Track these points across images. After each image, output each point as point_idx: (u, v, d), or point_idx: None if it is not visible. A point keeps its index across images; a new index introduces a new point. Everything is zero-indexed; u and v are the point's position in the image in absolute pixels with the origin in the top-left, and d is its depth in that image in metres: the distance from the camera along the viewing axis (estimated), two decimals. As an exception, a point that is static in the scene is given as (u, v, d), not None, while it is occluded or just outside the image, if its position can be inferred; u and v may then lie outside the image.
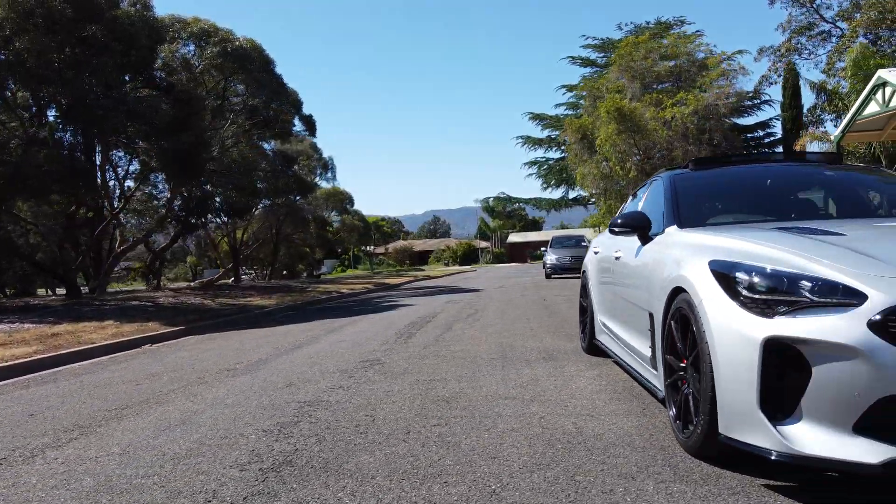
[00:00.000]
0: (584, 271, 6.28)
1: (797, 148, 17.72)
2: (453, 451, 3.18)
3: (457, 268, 51.28)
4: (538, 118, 36.91)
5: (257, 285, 28.00)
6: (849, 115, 15.10)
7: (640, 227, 4.02)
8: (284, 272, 47.19)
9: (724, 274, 2.73)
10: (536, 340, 7.06)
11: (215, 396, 4.91)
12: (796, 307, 2.46)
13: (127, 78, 16.22)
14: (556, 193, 38.45)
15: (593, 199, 27.35)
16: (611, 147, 19.50)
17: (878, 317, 2.28)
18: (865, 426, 2.29)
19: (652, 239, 3.94)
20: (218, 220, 32.65)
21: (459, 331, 8.39)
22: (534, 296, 14.74)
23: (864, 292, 2.36)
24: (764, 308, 2.53)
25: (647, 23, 33.71)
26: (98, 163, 20.20)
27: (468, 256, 74.19)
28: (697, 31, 33.22)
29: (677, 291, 3.12)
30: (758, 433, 2.48)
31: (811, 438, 2.37)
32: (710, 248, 3.10)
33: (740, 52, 28.29)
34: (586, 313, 5.88)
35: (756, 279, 2.60)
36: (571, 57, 35.98)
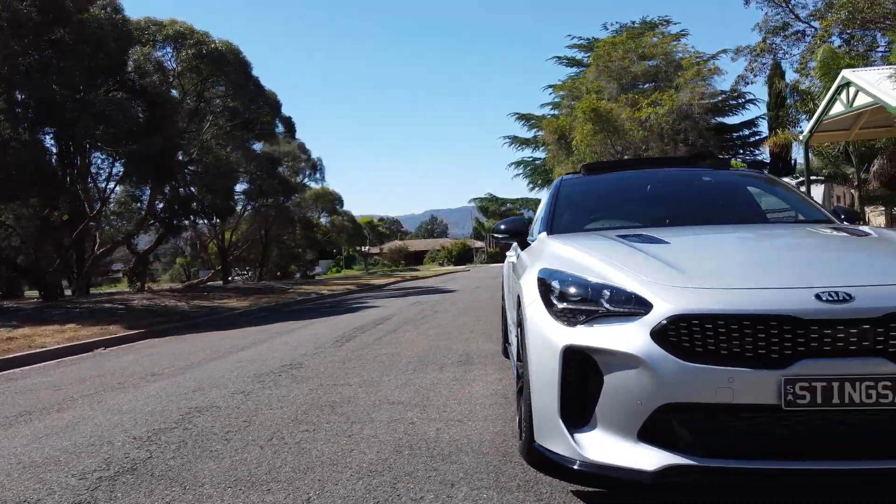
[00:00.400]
0: (502, 275, 6.31)
1: (767, 146, 17.74)
2: (300, 458, 3.21)
3: (450, 268, 51.31)
4: (524, 118, 36.96)
5: (241, 287, 28.04)
6: (815, 116, 15.12)
7: (519, 233, 4.04)
8: (279, 273, 47.25)
9: (545, 282, 2.76)
10: (466, 343, 7.08)
11: (117, 402, 4.94)
12: (594, 316, 2.49)
13: (99, 81, 16.24)
14: (542, 193, 38.54)
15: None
16: (586, 147, 19.51)
17: (658, 326, 2.30)
18: (647, 434, 2.32)
19: (529, 245, 3.97)
20: (201, 221, 32.75)
21: (402, 333, 8.42)
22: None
23: (650, 302, 2.38)
24: (569, 317, 2.55)
25: (633, 22, 33.70)
26: (78, 165, 20.33)
27: (463, 256, 74.16)
28: (682, 30, 33.27)
29: (520, 299, 3.15)
30: (559, 441, 2.50)
31: (601, 446, 2.39)
32: (549, 256, 3.12)
33: (725, 51, 28.35)
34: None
35: (565, 288, 2.63)
36: (558, 57, 36.05)
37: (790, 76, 20.88)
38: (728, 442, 2.26)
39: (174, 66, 20.51)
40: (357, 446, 3.37)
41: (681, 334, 2.29)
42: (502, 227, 4.14)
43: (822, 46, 15.13)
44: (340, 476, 2.93)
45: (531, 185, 38.69)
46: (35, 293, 31.72)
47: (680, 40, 32.93)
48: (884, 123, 14.76)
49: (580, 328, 2.49)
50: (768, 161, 32.03)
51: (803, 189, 21.62)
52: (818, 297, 2.23)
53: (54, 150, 18.21)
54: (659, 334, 2.30)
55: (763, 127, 33.36)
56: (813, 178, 21.14)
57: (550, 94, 35.38)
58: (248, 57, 21.40)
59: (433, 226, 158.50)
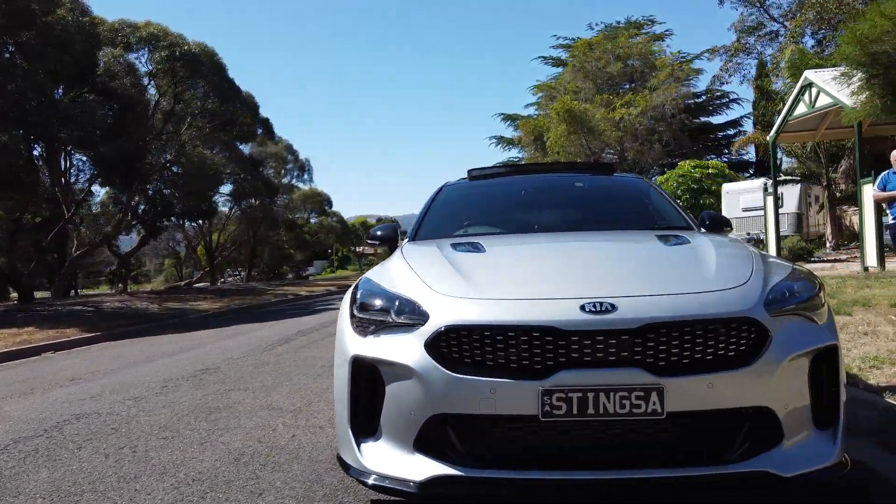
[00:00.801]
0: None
1: (734, 148, 17.70)
2: (136, 467, 3.21)
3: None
4: (510, 118, 36.89)
5: (223, 288, 27.99)
6: (781, 116, 15.10)
7: (389, 239, 4.02)
8: (271, 274, 47.28)
9: (353, 292, 2.76)
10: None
11: (11, 409, 4.94)
12: (382, 327, 2.48)
13: (66, 83, 16.24)
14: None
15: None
16: (560, 148, 19.50)
17: (431, 337, 2.30)
18: (422, 444, 2.31)
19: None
20: (183, 223, 32.78)
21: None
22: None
23: (428, 313, 2.37)
24: (364, 327, 2.55)
25: (618, 22, 33.59)
26: (53, 168, 20.33)
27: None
28: (667, 30, 33.26)
29: None
30: (349, 450, 2.49)
31: (382, 456, 2.38)
32: (381, 265, 3.12)
33: (710, 50, 28.32)
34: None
35: (366, 299, 2.61)
36: (543, 57, 35.98)
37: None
38: (494, 452, 2.26)
39: (150, 68, 20.52)
40: (201, 454, 3.36)
41: (451, 346, 2.28)
42: (378, 233, 4.11)
43: (790, 46, 15.08)
44: (161, 485, 2.92)
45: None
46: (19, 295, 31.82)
47: (664, 40, 33.02)
48: (849, 124, 14.74)
49: (370, 339, 2.49)
50: (754, 161, 32.07)
51: (782, 188, 21.60)
52: (583, 308, 2.23)
53: (35, 152, 18.26)
54: (431, 345, 2.29)
55: (749, 126, 33.29)
56: (789, 178, 21.15)
57: (534, 94, 35.36)
58: (228, 60, 21.50)
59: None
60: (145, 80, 20.97)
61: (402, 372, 2.34)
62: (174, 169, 22.36)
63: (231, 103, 21.94)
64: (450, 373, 2.24)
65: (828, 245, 17.94)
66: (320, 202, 45.39)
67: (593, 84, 20.80)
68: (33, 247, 22.74)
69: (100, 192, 25.13)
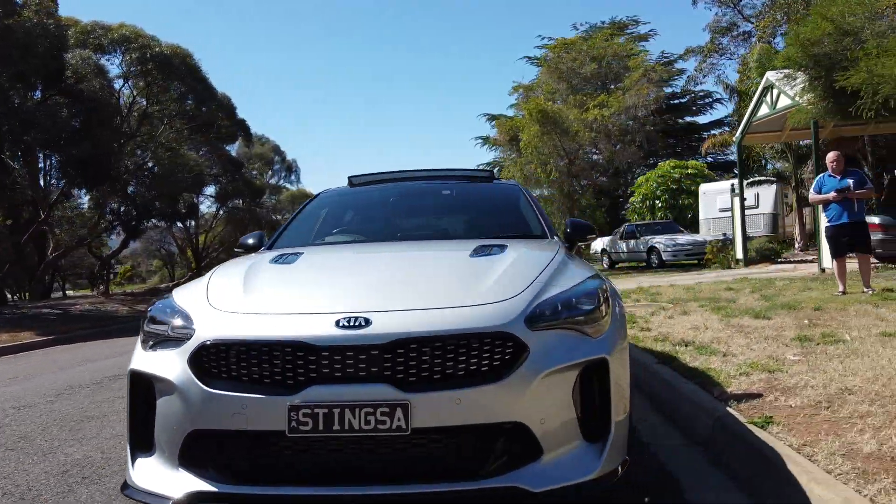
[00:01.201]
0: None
1: (703, 150, 17.65)
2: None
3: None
4: (494, 118, 36.84)
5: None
6: (746, 117, 15.08)
7: (250, 247, 3.98)
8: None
9: (151, 304, 2.73)
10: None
11: None
12: (160, 340, 2.46)
13: (31, 85, 16.21)
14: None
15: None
16: (533, 149, 19.48)
17: (192, 352, 2.27)
18: (186, 460, 2.28)
19: None
20: (171, 224, 32.79)
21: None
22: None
23: (195, 328, 2.35)
24: (146, 340, 2.52)
25: (602, 22, 33.60)
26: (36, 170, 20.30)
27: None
28: (651, 30, 33.23)
29: None
30: (127, 466, 2.47)
31: (151, 472, 2.34)
32: (202, 277, 3.09)
33: (688, 51, 28.26)
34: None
35: (155, 312, 2.57)
36: (528, 57, 35.93)
37: (736, 77, 20.82)
38: (250, 468, 2.23)
39: (123, 69, 20.52)
40: (34, 466, 3.32)
41: (210, 361, 2.26)
42: (248, 241, 4.07)
43: (757, 46, 15.05)
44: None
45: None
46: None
47: (648, 41, 32.96)
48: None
49: (148, 353, 2.46)
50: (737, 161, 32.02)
51: (758, 188, 21.56)
52: (337, 323, 2.20)
53: (8, 154, 18.22)
54: (193, 360, 2.27)
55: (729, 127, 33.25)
56: (765, 178, 21.10)
57: (510, 94, 35.30)
58: (216, 60, 21.90)
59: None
60: (120, 82, 21.02)
61: (167, 387, 2.31)
62: (154, 170, 22.39)
63: (206, 105, 21.93)
64: (206, 388, 2.22)
65: (796, 245, 17.91)
66: (308, 203, 45.35)
67: (568, 85, 20.77)
68: (13, 248, 22.74)
69: (84, 194, 25.12)
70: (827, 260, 11.95)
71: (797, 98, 9.60)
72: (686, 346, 5.21)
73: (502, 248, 2.98)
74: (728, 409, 3.31)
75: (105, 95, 17.45)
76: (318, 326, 2.20)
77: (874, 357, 4.20)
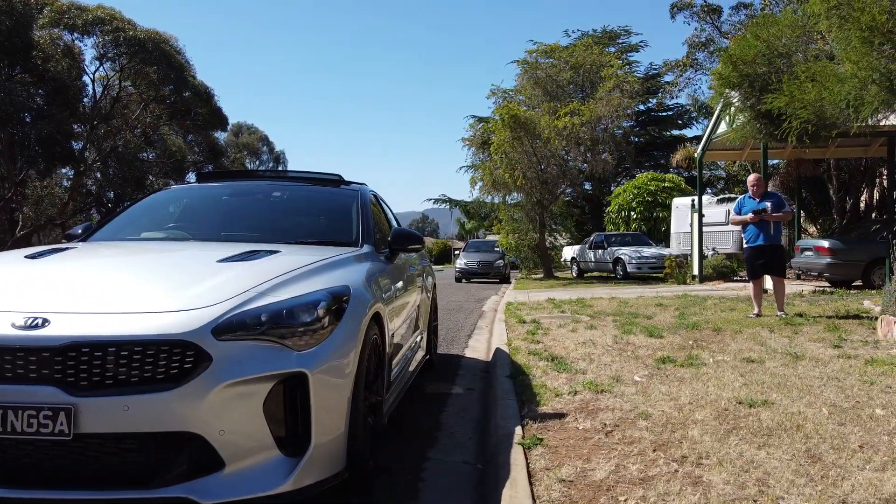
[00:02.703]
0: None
1: (672, 164, 17.58)
2: None
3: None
4: (482, 121, 36.75)
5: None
6: (706, 134, 15.06)
7: (75, 237, 3.91)
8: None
9: None
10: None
11: None
12: None
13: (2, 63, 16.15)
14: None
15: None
16: (502, 154, 19.41)
17: None
18: None
19: None
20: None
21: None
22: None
23: None
24: None
25: (594, 30, 33.60)
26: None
27: (442, 256, 74.21)
28: (641, 41, 33.26)
29: None
30: None
31: None
32: None
33: (666, 64, 28.25)
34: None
35: None
36: (516, 61, 35.84)
37: (710, 93, 20.74)
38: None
39: (96, 51, 20.43)
40: None
41: None
42: (78, 231, 4.03)
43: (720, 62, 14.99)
44: None
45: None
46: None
47: (638, 51, 32.94)
48: (774, 145, 14.68)
49: None
50: (724, 176, 32.00)
51: (731, 205, 21.53)
52: (14, 323, 2.16)
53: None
54: None
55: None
56: (732, 196, 21.07)
57: (487, 97, 35.20)
58: (202, 51, 21.36)
59: (423, 224, 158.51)
60: (96, 64, 20.93)
61: None
62: (123, 153, 22.28)
63: (182, 91, 21.86)
64: None
65: (756, 265, 17.86)
66: (294, 195, 45.33)
67: (543, 90, 20.72)
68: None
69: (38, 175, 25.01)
70: (769, 281, 11.94)
71: (733, 117, 9.57)
72: (551, 360, 5.17)
73: (270, 252, 2.94)
74: (518, 428, 3.28)
75: (72, 76, 17.37)
76: None
77: (710, 383, 4.17)
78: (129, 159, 18.80)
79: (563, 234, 26.01)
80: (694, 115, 31.58)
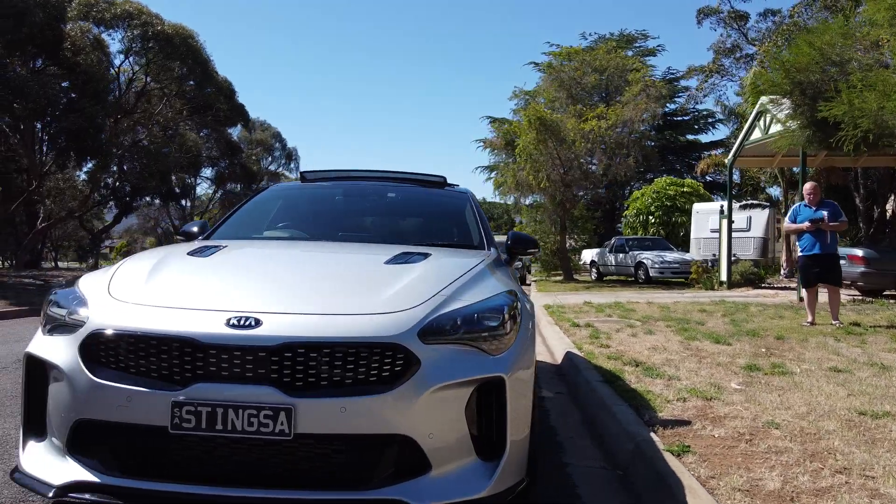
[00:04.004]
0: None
1: (698, 171, 17.64)
2: None
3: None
4: (497, 122, 36.78)
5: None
6: (738, 140, 15.06)
7: (190, 235, 3.93)
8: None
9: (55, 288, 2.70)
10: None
11: None
12: (57, 325, 2.43)
13: (27, 55, 16.14)
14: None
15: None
16: (527, 156, 19.43)
17: (83, 340, 2.25)
18: (73, 448, 2.25)
19: None
20: (168, 204, 32.75)
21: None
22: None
23: (88, 315, 2.32)
24: (47, 324, 2.49)
25: (611, 34, 33.62)
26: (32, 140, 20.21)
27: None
28: (658, 45, 33.24)
29: None
30: (20, 450, 2.44)
31: (41, 458, 2.31)
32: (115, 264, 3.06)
33: (690, 69, 28.23)
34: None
35: (56, 296, 2.54)
36: (534, 63, 35.92)
37: (735, 99, 20.80)
38: (134, 461, 2.20)
39: (125, 45, 20.45)
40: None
41: (100, 350, 2.23)
42: (192, 229, 4.03)
43: (752, 69, 15.03)
44: None
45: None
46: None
47: (655, 55, 32.94)
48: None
49: (45, 337, 2.44)
50: (738, 181, 32.01)
51: (751, 212, 21.55)
52: (228, 321, 2.17)
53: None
54: (83, 348, 2.24)
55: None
56: (757, 203, 21.09)
57: (510, 99, 35.23)
58: (216, 45, 21.38)
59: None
60: (120, 58, 20.96)
61: (58, 373, 2.29)
62: (147, 147, 22.31)
63: (206, 87, 21.88)
64: (93, 377, 2.19)
65: (782, 272, 17.91)
66: (305, 192, 45.28)
67: (568, 94, 20.73)
68: (3, 215, 22.67)
69: (72, 167, 25.03)
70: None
71: (782, 124, 9.58)
72: (636, 366, 5.19)
73: (424, 255, 2.95)
74: (652, 434, 3.29)
75: (102, 70, 17.38)
76: (208, 324, 2.17)
77: (814, 392, 4.19)
78: (155, 153, 18.80)
79: (581, 236, 26.03)
80: (711, 120, 31.62)
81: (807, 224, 7.80)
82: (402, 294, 2.40)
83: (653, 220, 25.12)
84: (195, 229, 3.92)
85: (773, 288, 15.77)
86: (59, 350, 2.30)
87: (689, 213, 24.54)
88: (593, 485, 2.96)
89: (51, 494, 2.19)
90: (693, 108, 28.96)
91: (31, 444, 2.38)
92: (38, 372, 2.39)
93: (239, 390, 2.10)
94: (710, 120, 32.11)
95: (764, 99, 13.74)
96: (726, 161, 16.06)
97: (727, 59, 19.45)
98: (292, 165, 41.81)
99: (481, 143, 39.16)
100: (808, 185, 8.09)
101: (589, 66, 21.39)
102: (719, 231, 16.68)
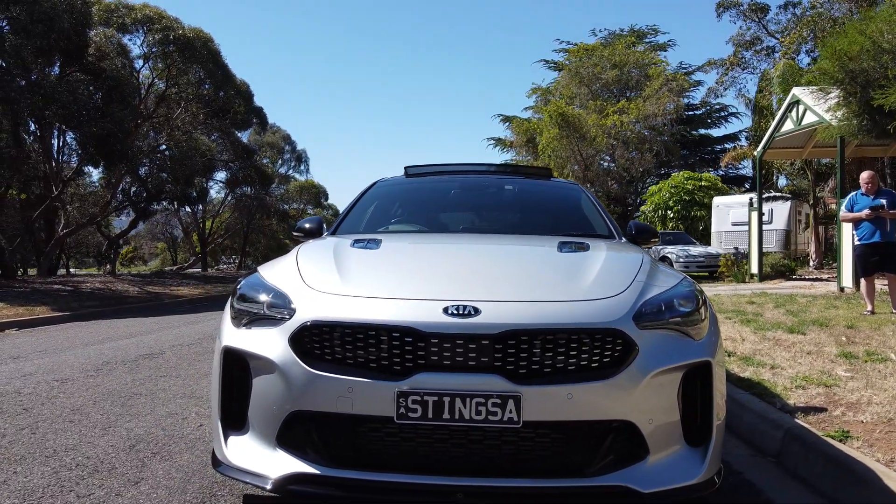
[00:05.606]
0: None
1: (723, 163, 17.63)
2: (25, 448, 3.15)
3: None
4: (508, 120, 36.80)
5: (208, 275, 27.98)
6: (768, 133, 15.05)
7: (313, 232, 3.95)
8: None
9: (237, 283, 2.71)
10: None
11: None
12: (254, 318, 2.43)
13: (55, 61, 16.16)
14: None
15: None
16: (551, 152, 19.44)
17: (294, 332, 2.25)
18: (284, 440, 2.26)
19: None
20: (178, 208, 32.73)
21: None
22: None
23: (295, 307, 2.32)
24: (239, 318, 2.49)
25: (622, 30, 33.54)
26: (50, 146, 20.21)
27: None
28: (669, 40, 33.19)
29: None
30: (218, 445, 2.44)
31: (246, 451, 2.32)
32: (281, 258, 3.06)
33: (709, 63, 28.21)
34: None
35: (246, 290, 2.55)
36: (545, 60, 35.90)
37: (754, 91, 20.77)
38: (352, 452, 2.20)
39: (144, 50, 20.46)
40: (99, 439, 3.30)
41: (314, 342, 2.23)
42: (305, 226, 4.02)
43: (782, 61, 15.02)
44: (42, 468, 2.87)
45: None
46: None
47: (667, 50, 32.90)
48: (835, 143, 14.69)
49: (242, 330, 2.43)
50: (751, 175, 31.99)
51: (773, 204, 21.56)
52: (446, 310, 2.17)
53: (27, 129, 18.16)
54: (294, 340, 2.24)
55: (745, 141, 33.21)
56: (780, 195, 21.09)
57: (528, 96, 35.18)
58: (229, 47, 21.47)
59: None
60: (140, 63, 20.96)
61: (266, 366, 2.29)
62: (166, 152, 22.34)
63: (224, 90, 21.88)
64: (310, 369, 2.19)
65: (811, 263, 17.90)
66: (316, 194, 45.32)
67: (588, 90, 20.72)
68: (23, 224, 22.67)
69: (95, 173, 25.08)
70: (847, 279, 11.93)
71: (832, 113, 9.56)
72: (728, 356, 5.18)
73: (584, 246, 2.96)
74: (796, 421, 3.29)
75: (126, 74, 17.38)
76: (427, 312, 2.17)
77: (929, 377, 4.19)
78: (181, 157, 18.79)
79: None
80: (724, 113, 31.58)
81: (867, 212, 7.79)
82: (603, 280, 2.41)
83: (671, 215, 25.10)
84: (311, 226, 3.91)
85: (805, 279, 15.75)
86: (265, 343, 2.30)
87: (706, 207, 24.55)
88: (758, 472, 2.96)
89: (269, 486, 2.19)
90: (710, 101, 28.89)
91: (233, 437, 2.38)
92: (237, 366, 2.40)
93: (464, 379, 2.10)
94: (723, 114, 32.08)
95: (797, 90, 13.74)
96: (754, 153, 16.04)
97: (748, 51, 19.46)
98: (301, 168, 41.82)
99: (492, 142, 39.25)
100: (865, 174, 8.08)
101: (608, 62, 21.38)
102: (748, 223, 16.67)
